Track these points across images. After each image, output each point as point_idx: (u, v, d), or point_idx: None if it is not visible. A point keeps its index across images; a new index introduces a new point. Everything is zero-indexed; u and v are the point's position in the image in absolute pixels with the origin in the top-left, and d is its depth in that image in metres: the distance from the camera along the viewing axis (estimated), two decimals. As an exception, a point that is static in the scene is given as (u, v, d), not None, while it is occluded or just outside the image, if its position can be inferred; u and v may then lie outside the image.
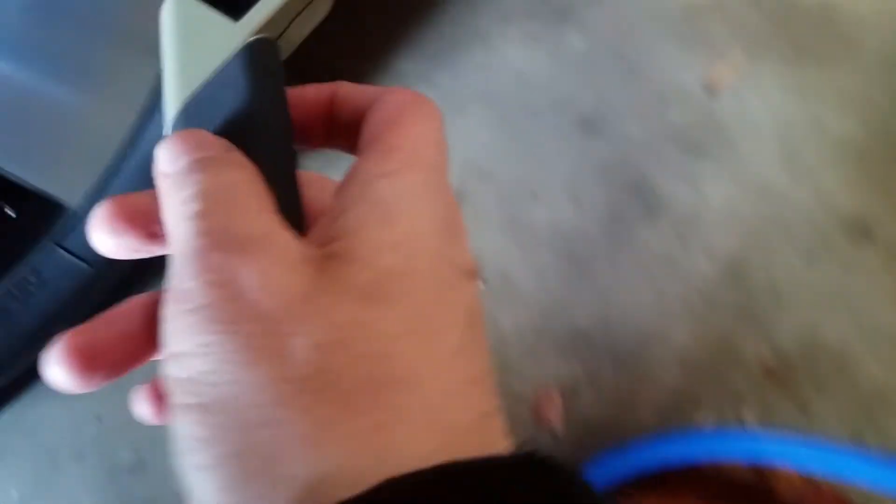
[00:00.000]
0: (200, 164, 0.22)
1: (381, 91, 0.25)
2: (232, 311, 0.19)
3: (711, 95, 0.89)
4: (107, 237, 0.23)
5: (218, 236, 0.20)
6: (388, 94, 0.25)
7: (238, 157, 0.23)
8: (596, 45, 0.91)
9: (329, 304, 0.19)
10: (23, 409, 0.74)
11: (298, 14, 0.29)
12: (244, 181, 0.22)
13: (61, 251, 0.61)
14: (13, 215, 0.61)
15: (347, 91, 0.26)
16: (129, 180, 0.58)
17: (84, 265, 0.62)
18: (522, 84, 0.89)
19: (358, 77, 0.91)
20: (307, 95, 0.27)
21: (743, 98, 0.89)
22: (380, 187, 0.22)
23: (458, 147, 0.86)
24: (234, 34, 0.27)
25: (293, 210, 0.24)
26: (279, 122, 0.26)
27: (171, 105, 0.26)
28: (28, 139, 0.57)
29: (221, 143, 0.23)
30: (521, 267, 0.80)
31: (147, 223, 0.23)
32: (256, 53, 0.26)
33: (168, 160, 0.22)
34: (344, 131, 0.26)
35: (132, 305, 0.24)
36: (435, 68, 0.91)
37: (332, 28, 0.74)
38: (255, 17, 0.27)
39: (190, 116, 0.26)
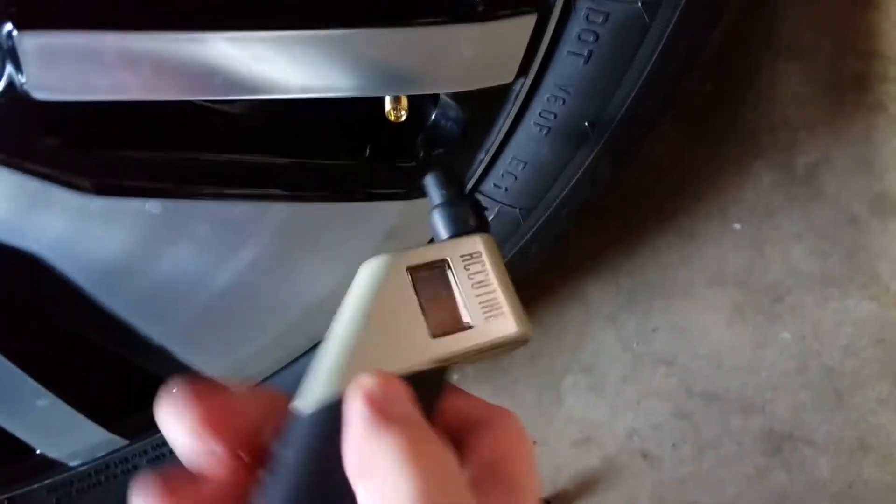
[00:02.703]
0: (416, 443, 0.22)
1: (487, 415, 0.26)
2: None
3: (920, 458, 0.77)
4: (179, 432, 0.23)
5: None
6: (499, 429, 0.26)
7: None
8: (807, 350, 0.81)
9: None
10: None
11: (485, 352, 0.28)
12: None
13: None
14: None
15: (457, 402, 0.27)
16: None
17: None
18: (715, 365, 0.79)
19: (544, 292, 0.82)
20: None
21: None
22: None
23: (627, 414, 0.76)
24: (422, 348, 0.26)
25: None
26: None
27: (322, 386, 0.24)
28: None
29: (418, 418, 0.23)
30: (657, 591, 0.68)
31: (237, 439, 0.23)
32: (426, 382, 0.25)
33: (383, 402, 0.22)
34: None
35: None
36: (624, 310, 0.81)
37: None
38: (452, 345, 0.26)
39: (323, 419, 0.24)
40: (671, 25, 0.42)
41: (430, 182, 0.36)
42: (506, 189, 0.54)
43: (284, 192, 0.47)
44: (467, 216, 0.34)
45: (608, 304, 0.81)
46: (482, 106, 0.48)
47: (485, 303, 0.28)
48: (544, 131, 0.50)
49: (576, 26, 0.42)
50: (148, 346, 0.52)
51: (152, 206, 0.44)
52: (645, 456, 0.74)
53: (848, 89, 0.96)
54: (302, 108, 0.46)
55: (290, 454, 0.23)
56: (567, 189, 0.55)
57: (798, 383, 0.78)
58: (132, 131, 0.43)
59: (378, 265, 0.27)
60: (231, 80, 0.38)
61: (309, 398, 0.24)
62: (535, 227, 0.57)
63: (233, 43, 0.36)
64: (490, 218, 0.56)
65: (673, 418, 0.76)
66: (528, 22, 0.41)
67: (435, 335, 0.26)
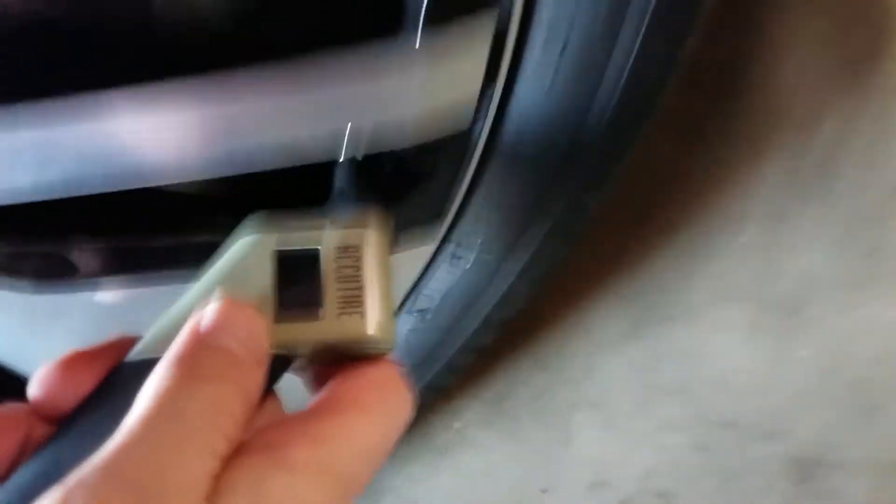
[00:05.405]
0: (227, 367, 0.24)
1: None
2: None
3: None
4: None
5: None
6: (370, 365, 0.27)
7: (256, 375, 0.24)
8: (831, 364, 0.76)
9: None
10: None
11: (335, 348, 0.27)
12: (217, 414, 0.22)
13: None
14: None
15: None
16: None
17: None
18: (730, 390, 0.74)
19: (543, 324, 0.78)
20: None
21: None
22: (273, 482, 0.22)
23: (642, 450, 0.71)
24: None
25: None
26: None
27: (146, 343, 0.26)
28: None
29: (262, 349, 0.25)
30: None
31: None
32: None
33: (212, 325, 0.24)
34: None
35: None
36: (630, 338, 0.77)
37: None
38: (292, 334, 0.27)
39: (133, 372, 0.25)
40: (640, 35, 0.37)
41: (337, 171, 0.36)
42: (481, 237, 0.50)
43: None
44: (358, 209, 0.33)
45: (612, 333, 0.77)
46: (442, 153, 0.44)
47: (344, 299, 0.27)
48: (513, 172, 0.46)
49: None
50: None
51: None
52: (662, 496, 0.69)
53: (859, 69, 0.91)
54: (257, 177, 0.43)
55: (92, 399, 0.25)
56: (549, 225, 0.51)
57: (823, 402, 0.73)
58: (76, 222, 0.40)
59: (248, 240, 0.28)
60: (151, 166, 0.35)
61: (134, 352, 0.26)
62: (516, 271, 0.54)
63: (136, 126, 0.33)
64: (467, 267, 0.52)
65: (690, 452, 0.71)
66: (480, 47, 0.37)
67: (278, 320, 0.26)
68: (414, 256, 0.51)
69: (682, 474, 0.70)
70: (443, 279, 0.54)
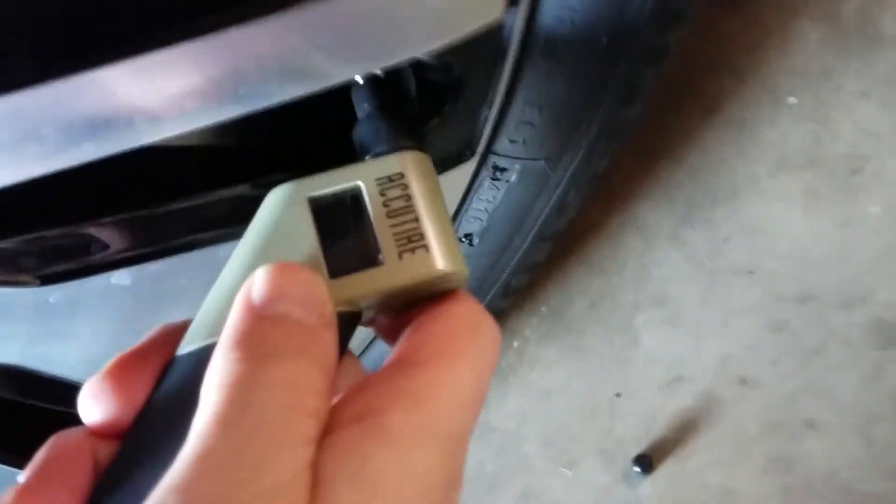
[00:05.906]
0: (290, 335, 0.20)
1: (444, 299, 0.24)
2: None
3: None
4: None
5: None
6: (449, 303, 0.24)
7: (327, 340, 0.21)
8: (902, 219, 0.71)
9: None
10: None
11: (405, 292, 0.25)
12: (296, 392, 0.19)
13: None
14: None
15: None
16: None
17: None
18: (800, 261, 0.70)
19: (591, 228, 0.74)
20: None
21: None
22: (376, 460, 0.19)
23: (714, 339, 0.68)
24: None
25: None
26: None
27: (198, 328, 0.23)
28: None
29: (327, 309, 0.21)
30: (788, 525, 0.62)
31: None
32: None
33: (265, 294, 0.21)
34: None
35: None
36: (686, 224, 0.72)
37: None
38: (354, 287, 0.24)
39: (192, 363, 0.23)
40: None
41: (355, 96, 0.33)
42: (524, 142, 0.45)
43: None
44: (389, 132, 0.31)
45: (666, 224, 0.73)
46: (472, 54, 0.39)
47: (402, 235, 0.24)
48: (556, 62, 0.40)
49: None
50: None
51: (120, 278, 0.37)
52: (744, 381, 0.66)
53: None
54: (265, 124, 0.38)
55: (153, 406, 0.22)
56: (596, 121, 0.46)
57: (901, 258, 0.69)
58: (75, 202, 0.36)
59: (277, 196, 0.25)
60: (168, 114, 0.30)
61: (186, 341, 0.23)
62: (567, 176, 0.49)
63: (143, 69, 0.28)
64: (512, 178, 0.48)
65: (767, 332, 0.68)
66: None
67: (334, 275, 0.23)
68: (452, 178, 0.47)
69: (760, 357, 0.67)
70: (487, 198, 0.49)
